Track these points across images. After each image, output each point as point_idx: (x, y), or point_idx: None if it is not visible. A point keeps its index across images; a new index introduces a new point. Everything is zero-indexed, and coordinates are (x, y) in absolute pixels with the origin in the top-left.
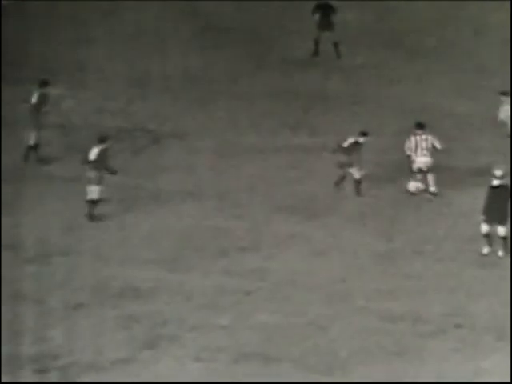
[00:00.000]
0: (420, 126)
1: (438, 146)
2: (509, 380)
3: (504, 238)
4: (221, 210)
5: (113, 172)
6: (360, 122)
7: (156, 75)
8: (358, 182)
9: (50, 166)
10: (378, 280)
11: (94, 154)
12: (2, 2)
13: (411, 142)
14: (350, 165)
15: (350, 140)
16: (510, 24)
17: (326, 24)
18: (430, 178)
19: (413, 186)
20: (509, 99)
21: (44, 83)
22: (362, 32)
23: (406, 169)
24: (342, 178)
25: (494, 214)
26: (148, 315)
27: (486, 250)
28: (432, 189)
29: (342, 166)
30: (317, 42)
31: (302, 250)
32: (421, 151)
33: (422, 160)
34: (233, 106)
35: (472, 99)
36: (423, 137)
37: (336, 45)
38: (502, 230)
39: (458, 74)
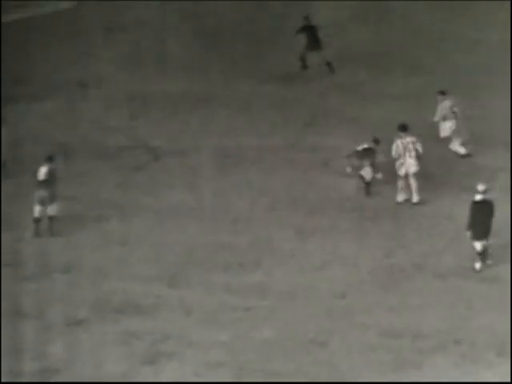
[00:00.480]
0: (404, 129)
1: (420, 149)
2: (509, 380)
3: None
4: (221, 226)
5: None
6: (360, 136)
7: (157, 91)
8: (367, 184)
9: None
10: (377, 295)
11: (42, 173)
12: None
13: (398, 145)
14: (362, 167)
15: (365, 145)
16: (510, 25)
17: (314, 45)
18: (414, 184)
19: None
20: (445, 98)
21: None
22: (362, 48)
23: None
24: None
25: (479, 229)
26: (148, 331)
27: (478, 265)
28: (415, 198)
29: (355, 169)
30: (303, 59)
31: (302, 265)
32: (409, 153)
33: (411, 162)
34: (233, 121)
35: None
36: (408, 139)
37: (329, 64)
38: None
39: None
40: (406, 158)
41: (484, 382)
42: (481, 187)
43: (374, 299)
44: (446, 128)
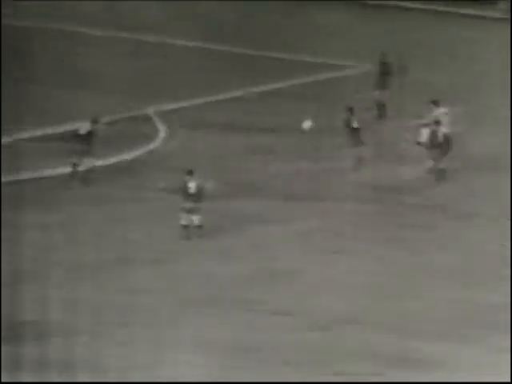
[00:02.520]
0: None
1: None
2: (509, 380)
3: None
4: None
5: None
6: None
7: None
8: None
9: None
10: None
11: (193, 187)
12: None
13: None
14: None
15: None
16: (510, 26)
17: (381, 83)
18: None
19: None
20: None
21: None
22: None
23: None
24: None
25: None
26: None
27: None
28: None
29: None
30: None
31: None
32: None
33: None
34: None
35: None
36: None
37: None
38: None
39: None
40: None
41: (484, 381)
42: None
43: None
44: None
